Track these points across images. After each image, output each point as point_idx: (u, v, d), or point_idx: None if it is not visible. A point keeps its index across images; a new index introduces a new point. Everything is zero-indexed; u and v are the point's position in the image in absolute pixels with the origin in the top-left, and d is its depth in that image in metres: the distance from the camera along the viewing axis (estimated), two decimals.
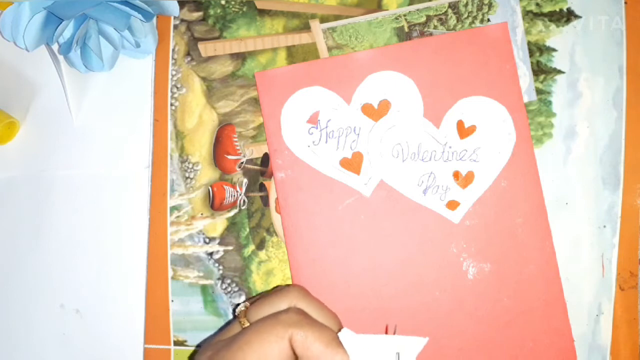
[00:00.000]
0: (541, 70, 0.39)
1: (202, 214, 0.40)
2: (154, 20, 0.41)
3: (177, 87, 0.41)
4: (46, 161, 0.42)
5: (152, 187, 0.41)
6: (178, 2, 0.40)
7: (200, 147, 0.40)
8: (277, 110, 0.39)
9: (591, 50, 0.39)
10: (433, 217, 0.38)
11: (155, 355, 0.40)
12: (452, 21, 0.39)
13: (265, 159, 0.40)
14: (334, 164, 0.39)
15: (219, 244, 0.40)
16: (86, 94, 0.42)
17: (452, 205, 0.38)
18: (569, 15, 0.39)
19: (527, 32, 0.39)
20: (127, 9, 0.36)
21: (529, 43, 0.39)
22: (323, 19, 0.40)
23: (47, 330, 0.41)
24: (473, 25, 0.39)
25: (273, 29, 0.40)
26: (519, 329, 0.37)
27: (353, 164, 0.39)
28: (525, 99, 0.39)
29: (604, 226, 0.38)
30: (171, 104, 0.41)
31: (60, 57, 0.39)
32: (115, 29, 0.38)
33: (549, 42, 0.39)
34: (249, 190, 0.40)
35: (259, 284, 0.40)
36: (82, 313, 0.41)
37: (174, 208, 0.40)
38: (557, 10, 0.39)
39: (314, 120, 0.39)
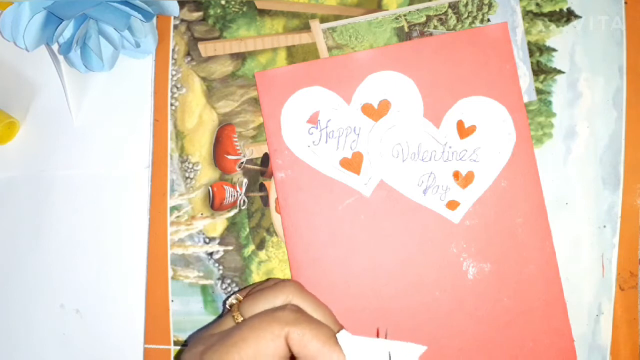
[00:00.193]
0: (541, 70, 0.39)
1: (202, 214, 0.40)
2: (154, 20, 0.41)
3: (177, 87, 0.41)
4: (46, 161, 0.42)
5: (152, 187, 0.41)
6: (178, 2, 0.40)
7: (200, 147, 0.40)
8: (277, 110, 0.39)
9: (591, 50, 0.39)
10: (433, 217, 0.38)
11: (155, 355, 0.40)
12: (452, 21, 0.39)
13: (265, 159, 0.40)
14: (334, 164, 0.39)
15: (219, 244, 0.40)
16: (86, 94, 0.42)
17: (452, 205, 0.38)
18: (569, 15, 0.39)
19: (527, 32, 0.39)
20: (127, 9, 0.36)
21: (529, 43, 0.39)
22: (323, 19, 0.40)
23: (47, 330, 0.41)
24: (473, 25, 0.39)
25: (273, 29, 0.40)
26: (519, 329, 0.37)
27: (353, 164, 0.39)
28: (525, 99, 0.39)
29: (604, 226, 0.38)
30: (171, 104, 0.41)
31: (60, 57, 0.39)
32: (115, 29, 0.38)
33: (549, 42, 0.39)
34: (249, 190, 0.40)
35: None
36: (82, 313, 0.41)
37: (174, 208, 0.40)
38: (557, 10, 0.39)
39: (314, 120, 0.39)
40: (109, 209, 0.41)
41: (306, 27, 0.40)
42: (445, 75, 0.38)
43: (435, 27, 0.40)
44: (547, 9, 0.39)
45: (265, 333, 0.29)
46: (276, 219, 0.40)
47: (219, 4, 0.41)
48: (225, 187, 0.40)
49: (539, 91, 0.39)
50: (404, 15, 0.40)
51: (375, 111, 0.39)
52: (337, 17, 0.40)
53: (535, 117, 0.39)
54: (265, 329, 0.29)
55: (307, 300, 0.32)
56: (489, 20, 0.39)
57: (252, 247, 0.40)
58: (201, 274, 0.40)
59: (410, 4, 0.40)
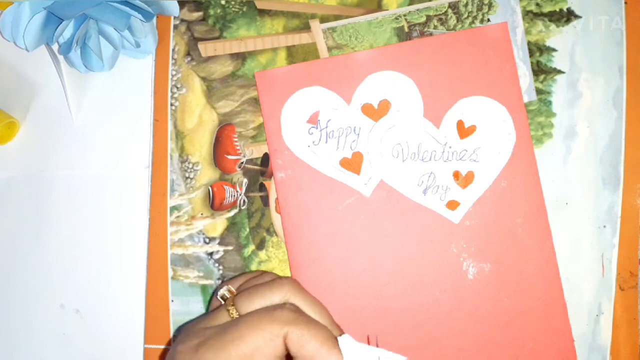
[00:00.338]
0: (541, 70, 0.39)
1: (202, 214, 0.40)
2: (154, 20, 0.41)
3: (177, 87, 0.41)
4: (46, 161, 0.42)
5: (152, 187, 0.41)
6: (178, 2, 0.40)
7: (200, 147, 0.40)
8: (277, 110, 0.39)
9: (591, 50, 0.39)
10: (433, 217, 0.38)
11: (155, 355, 0.40)
12: (452, 21, 0.39)
13: (265, 159, 0.40)
14: (334, 164, 0.39)
15: (219, 244, 0.40)
16: (86, 94, 0.42)
17: (452, 205, 0.38)
18: (569, 15, 0.39)
19: (527, 32, 0.39)
20: (127, 9, 0.36)
21: (529, 43, 0.39)
22: (323, 19, 0.40)
23: (47, 330, 0.41)
24: (473, 25, 0.39)
25: (273, 29, 0.40)
26: (519, 329, 0.37)
27: (353, 164, 0.39)
28: (525, 99, 0.39)
29: (604, 226, 0.38)
30: (171, 104, 0.41)
31: (60, 57, 0.39)
32: (115, 29, 0.38)
33: (549, 42, 0.39)
34: (249, 190, 0.40)
35: None
36: (82, 313, 0.41)
37: (174, 208, 0.40)
38: (557, 10, 0.39)
39: (314, 120, 0.39)
40: (109, 209, 0.41)
41: (306, 27, 0.40)
42: (445, 75, 0.38)
43: (435, 27, 0.40)
44: (547, 9, 0.39)
45: (263, 332, 0.29)
46: (276, 219, 0.40)
47: (219, 4, 0.41)
48: (225, 187, 0.40)
49: (539, 91, 0.39)
50: (404, 15, 0.40)
51: (375, 111, 0.39)
52: (337, 17, 0.40)
53: (535, 117, 0.39)
54: (264, 328, 0.29)
55: (305, 299, 0.32)
56: (489, 20, 0.39)
57: (252, 247, 0.40)
58: (201, 274, 0.40)
59: (410, 4, 0.40)
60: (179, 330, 0.39)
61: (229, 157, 0.40)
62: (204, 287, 0.40)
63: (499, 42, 0.38)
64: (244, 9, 0.41)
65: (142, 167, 0.41)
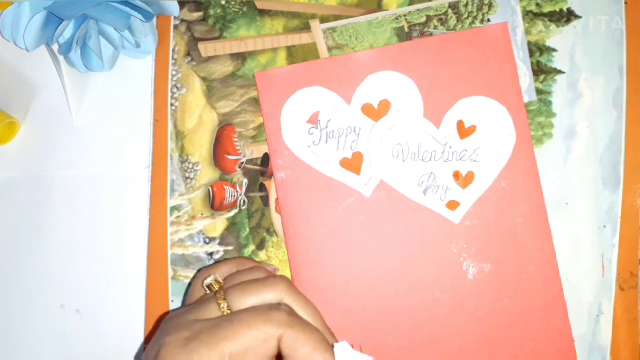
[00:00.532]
0: (541, 70, 0.39)
1: (202, 214, 0.40)
2: (154, 20, 0.41)
3: (177, 87, 0.41)
4: (46, 161, 0.42)
5: (152, 187, 0.41)
6: (178, 2, 0.40)
7: (200, 147, 0.40)
8: (277, 110, 0.39)
9: (591, 50, 0.39)
10: (433, 217, 0.38)
11: None
12: (452, 21, 0.39)
13: (265, 159, 0.40)
14: (334, 164, 0.39)
15: (219, 244, 0.40)
16: (86, 94, 0.42)
17: (452, 205, 0.38)
18: (569, 15, 0.39)
19: (527, 32, 0.39)
20: (127, 9, 0.36)
21: (529, 43, 0.39)
22: (323, 19, 0.40)
23: (47, 330, 0.41)
24: (473, 25, 0.39)
25: (273, 29, 0.40)
26: (519, 329, 0.37)
27: (353, 164, 0.39)
28: (525, 99, 0.39)
29: (604, 226, 0.38)
30: (171, 104, 0.41)
31: (60, 57, 0.39)
32: (115, 29, 0.38)
33: (549, 42, 0.39)
34: (249, 190, 0.40)
35: None
36: (82, 313, 0.41)
37: (174, 208, 0.40)
38: (557, 10, 0.39)
39: (314, 120, 0.39)
40: (109, 209, 0.41)
41: (306, 27, 0.40)
42: (445, 75, 0.38)
43: (435, 27, 0.40)
44: (547, 9, 0.39)
45: (258, 332, 0.28)
46: (276, 219, 0.40)
47: (219, 4, 0.41)
48: (225, 187, 0.40)
49: (539, 91, 0.39)
50: (404, 15, 0.40)
51: (375, 111, 0.39)
52: (337, 17, 0.40)
53: (535, 117, 0.39)
54: (259, 329, 0.28)
55: (298, 300, 0.32)
56: (489, 20, 0.39)
57: (252, 247, 0.40)
58: None
59: (410, 4, 0.40)
60: (162, 319, 0.39)
61: (229, 157, 0.40)
62: None
63: (499, 42, 0.38)
64: (244, 9, 0.41)
65: (142, 167, 0.41)
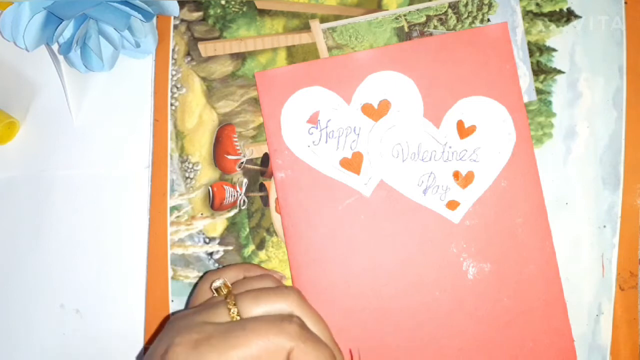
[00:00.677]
0: (541, 70, 0.39)
1: (202, 214, 0.40)
2: (154, 20, 0.41)
3: (177, 87, 0.41)
4: (46, 161, 0.42)
5: (152, 187, 0.41)
6: (178, 2, 0.40)
7: (200, 147, 0.40)
8: (277, 110, 0.39)
9: (591, 50, 0.39)
10: (433, 217, 0.38)
11: None
12: (452, 21, 0.39)
13: (265, 159, 0.40)
14: (334, 164, 0.39)
15: (219, 244, 0.40)
16: (86, 94, 0.42)
17: (452, 205, 0.38)
18: (569, 15, 0.39)
19: (527, 32, 0.39)
20: (127, 9, 0.36)
21: (529, 43, 0.39)
22: (323, 19, 0.40)
23: (47, 330, 0.41)
24: (473, 25, 0.39)
25: (273, 29, 0.40)
26: (519, 329, 0.37)
27: (353, 164, 0.39)
28: (525, 99, 0.39)
29: (604, 226, 0.38)
30: (171, 104, 0.41)
31: (60, 57, 0.39)
32: (115, 29, 0.38)
33: (549, 42, 0.39)
34: (249, 190, 0.40)
35: None
36: (82, 313, 0.41)
37: (174, 208, 0.40)
38: (557, 10, 0.39)
39: (314, 120, 0.39)
40: (109, 209, 0.41)
41: (306, 27, 0.40)
42: (445, 75, 0.38)
43: (435, 27, 0.40)
44: (547, 9, 0.39)
45: (269, 343, 0.28)
46: (276, 219, 0.40)
47: (219, 4, 0.41)
48: (225, 187, 0.40)
49: (539, 91, 0.39)
50: (404, 15, 0.40)
51: (375, 111, 0.39)
52: (337, 17, 0.40)
53: (535, 117, 0.39)
54: (271, 340, 0.28)
55: (309, 313, 0.31)
56: (489, 20, 0.39)
57: (252, 247, 0.40)
58: (201, 274, 0.40)
59: (410, 4, 0.40)
60: (166, 320, 0.39)
61: (229, 157, 0.40)
62: None
63: (499, 42, 0.38)
64: (244, 9, 0.41)
65: (142, 167, 0.41)
